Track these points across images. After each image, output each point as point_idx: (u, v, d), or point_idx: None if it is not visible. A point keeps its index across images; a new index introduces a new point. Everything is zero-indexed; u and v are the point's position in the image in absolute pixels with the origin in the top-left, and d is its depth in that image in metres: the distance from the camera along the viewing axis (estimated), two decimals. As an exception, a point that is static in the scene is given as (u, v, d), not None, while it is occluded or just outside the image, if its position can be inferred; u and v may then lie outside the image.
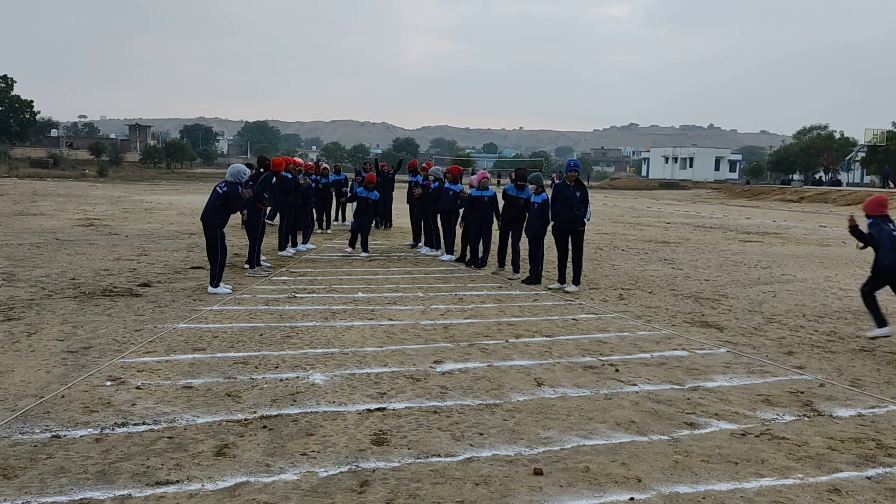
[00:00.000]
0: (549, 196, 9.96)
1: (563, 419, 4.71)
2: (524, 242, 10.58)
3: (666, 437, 4.44)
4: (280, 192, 9.97)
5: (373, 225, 16.84)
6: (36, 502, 3.35)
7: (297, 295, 8.73)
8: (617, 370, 5.90)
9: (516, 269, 10.80)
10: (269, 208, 10.88)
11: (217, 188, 8.85)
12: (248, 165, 11.95)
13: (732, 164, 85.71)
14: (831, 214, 30.59)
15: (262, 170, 11.63)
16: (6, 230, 14.76)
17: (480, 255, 11.60)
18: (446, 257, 12.48)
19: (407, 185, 15.75)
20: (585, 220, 9.61)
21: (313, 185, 15.33)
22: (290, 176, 11.86)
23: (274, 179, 10.81)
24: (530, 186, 10.40)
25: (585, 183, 9.84)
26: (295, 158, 13.58)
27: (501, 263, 11.05)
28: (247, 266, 10.47)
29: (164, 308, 7.72)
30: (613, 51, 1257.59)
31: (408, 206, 14.94)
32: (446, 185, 12.66)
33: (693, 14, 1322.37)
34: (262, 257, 10.94)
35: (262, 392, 5.04)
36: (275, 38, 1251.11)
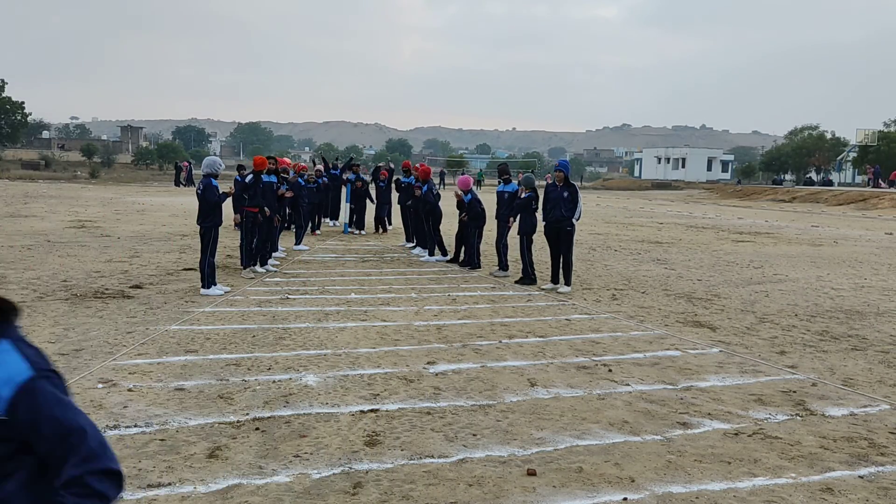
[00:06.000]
0: (542, 196, 10.03)
1: (557, 419, 4.71)
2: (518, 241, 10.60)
3: (659, 437, 4.44)
4: (238, 189, 9.80)
5: (357, 226, 16.76)
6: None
7: (289, 296, 8.71)
8: (610, 370, 5.91)
9: (503, 266, 10.91)
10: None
11: (197, 191, 8.80)
12: (240, 167, 11.90)
13: (724, 165, 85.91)
14: (823, 214, 30.74)
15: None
16: (-3, 232, 14.67)
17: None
18: (433, 258, 12.49)
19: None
20: (574, 220, 9.60)
21: (310, 185, 15.28)
22: (272, 178, 11.77)
23: (251, 179, 10.51)
24: (521, 189, 10.47)
25: (577, 183, 9.97)
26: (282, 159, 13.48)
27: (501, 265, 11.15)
28: (250, 267, 10.34)
29: (155, 310, 7.68)
30: (604, 51, 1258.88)
31: (399, 206, 14.99)
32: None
33: (682, 15, 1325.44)
34: (271, 262, 10.88)
35: (254, 394, 5.03)
36: (267, 39, 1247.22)
